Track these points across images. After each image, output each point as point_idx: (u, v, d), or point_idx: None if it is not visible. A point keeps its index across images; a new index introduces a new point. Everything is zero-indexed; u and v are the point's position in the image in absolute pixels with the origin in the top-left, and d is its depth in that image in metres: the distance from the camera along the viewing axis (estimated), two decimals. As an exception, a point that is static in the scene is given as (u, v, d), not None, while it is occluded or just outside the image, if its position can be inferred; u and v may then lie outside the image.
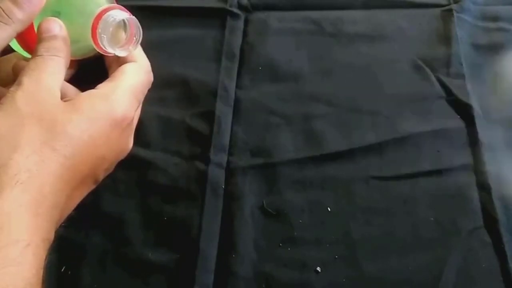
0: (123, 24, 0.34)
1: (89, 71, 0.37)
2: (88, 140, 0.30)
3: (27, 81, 0.30)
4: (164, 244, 0.43)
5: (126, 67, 0.35)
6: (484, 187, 0.45)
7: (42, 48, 0.32)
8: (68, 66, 0.33)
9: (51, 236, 0.29)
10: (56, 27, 0.33)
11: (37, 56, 0.32)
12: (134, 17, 0.34)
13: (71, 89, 0.35)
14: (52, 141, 0.28)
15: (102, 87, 0.34)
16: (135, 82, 0.35)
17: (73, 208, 0.32)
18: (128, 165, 0.43)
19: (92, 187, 0.34)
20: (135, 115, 0.36)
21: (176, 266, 0.42)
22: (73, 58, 0.35)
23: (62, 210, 0.30)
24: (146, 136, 0.48)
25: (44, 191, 0.27)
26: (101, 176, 0.34)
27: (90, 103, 0.31)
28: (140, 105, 0.38)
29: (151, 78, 0.37)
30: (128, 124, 0.34)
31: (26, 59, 0.34)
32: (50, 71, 0.31)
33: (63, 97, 0.32)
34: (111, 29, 0.33)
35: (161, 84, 0.50)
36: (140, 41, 0.35)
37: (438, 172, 0.46)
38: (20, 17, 0.31)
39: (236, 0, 0.57)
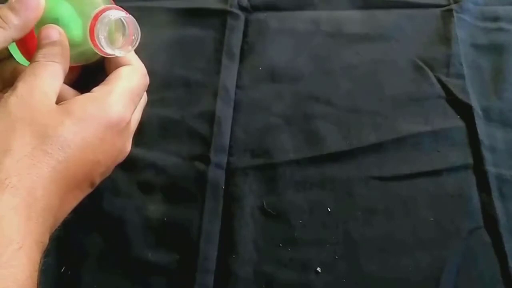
0: (122, 25, 0.34)
1: (91, 75, 0.37)
2: (81, 143, 0.30)
3: (21, 86, 0.30)
4: (164, 245, 0.43)
5: (121, 70, 0.35)
6: (484, 187, 0.45)
7: (40, 54, 0.32)
8: (67, 71, 0.33)
9: (45, 239, 0.29)
10: (55, 33, 0.33)
11: (34, 62, 0.32)
12: (131, 16, 0.34)
13: (71, 93, 0.35)
14: (44, 144, 0.29)
15: (97, 90, 0.34)
16: (130, 85, 0.35)
17: (68, 212, 0.32)
18: (128, 165, 0.43)
19: (88, 191, 0.34)
20: (133, 118, 0.36)
21: (176, 267, 0.42)
22: (75, 64, 0.35)
23: (56, 214, 0.30)
24: (146, 136, 0.48)
25: (36, 194, 0.27)
26: (97, 180, 0.34)
27: (82, 106, 0.31)
28: (139, 108, 0.38)
29: (147, 81, 0.37)
30: (124, 127, 0.34)
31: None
32: (46, 77, 0.31)
33: (63, 101, 0.32)
34: (108, 28, 0.33)
35: (161, 84, 0.51)
36: (139, 40, 0.35)
37: (438, 172, 0.46)
38: (16, 23, 0.31)
39: (236, 1, 0.57)
